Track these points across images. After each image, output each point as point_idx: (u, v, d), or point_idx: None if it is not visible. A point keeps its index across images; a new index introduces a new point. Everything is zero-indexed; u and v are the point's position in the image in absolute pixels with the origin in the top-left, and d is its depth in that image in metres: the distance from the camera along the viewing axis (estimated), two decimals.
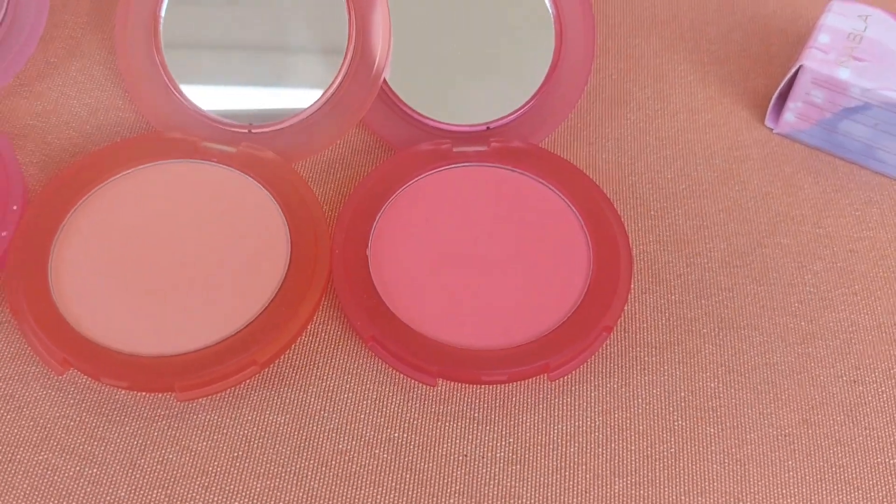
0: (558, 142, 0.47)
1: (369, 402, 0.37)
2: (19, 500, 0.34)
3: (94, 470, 0.35)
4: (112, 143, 0.42)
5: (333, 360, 0.38)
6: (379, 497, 0.35)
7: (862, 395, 0.39)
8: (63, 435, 0.35)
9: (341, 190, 0.44)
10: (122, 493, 0.34)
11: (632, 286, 0.40)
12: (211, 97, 0.43)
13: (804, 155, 0.47)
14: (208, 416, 0.36)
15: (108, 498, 0.34)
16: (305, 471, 0.36)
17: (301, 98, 0.44)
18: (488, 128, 0.45)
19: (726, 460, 0.37)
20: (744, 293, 0.42)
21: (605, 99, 0.49)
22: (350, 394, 0.38)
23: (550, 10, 0.45)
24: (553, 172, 0.43)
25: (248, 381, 0.37)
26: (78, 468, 0.35)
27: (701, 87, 0.50)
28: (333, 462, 0.36)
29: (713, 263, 0.43)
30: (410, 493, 0.35)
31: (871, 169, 0.47)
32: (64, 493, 0.34)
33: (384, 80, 0.44)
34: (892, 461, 0.37)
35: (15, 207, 0.39)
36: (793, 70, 0.45)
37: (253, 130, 0.44)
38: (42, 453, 0.35)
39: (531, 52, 0.45)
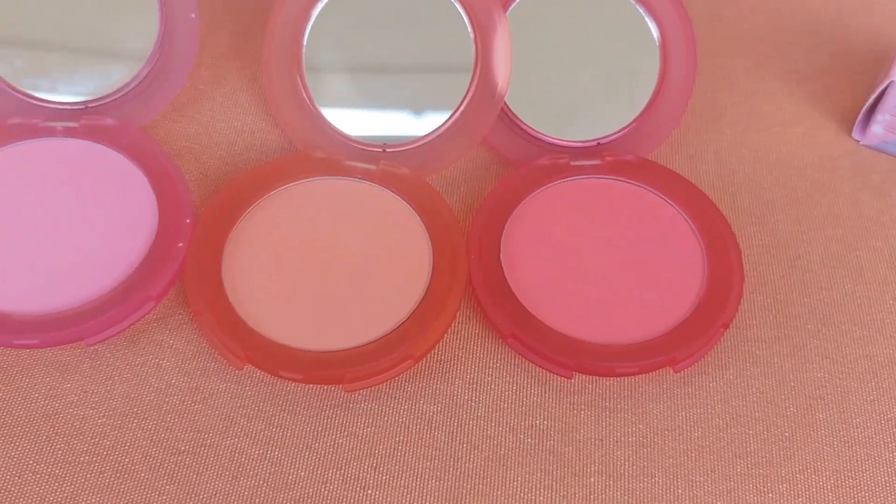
0: (662, 155, 0.51)
1: (510, 392, 0.42)
2: (213, 479, 0.38)
3: (276, 453, 0.39)
4: (267, 162, 0.47)
5: (475, 356, 0.43)
6: (527, 476, 0.39)
7: None
8: (245, 422, 0.40)
9: (466, 201, 0.48)
10: (302, 473, 0.39)
11: (743, 286, 0.44)
12: (349, 119, 0.48)
13: (892, 165, 0.51)
14: (370, 406, 0.41)
15: (290, 478, 0.38)
16: (459, 453, 0.40)
17: (429, 120, 0.48)
18: (599, 143, 0.49)
19: (835, 442, 0.41)
20: (842, 292, 0.46)
21: (702, 115, 0.53)
22: (493, 385, 0.42)
23: (656, 36, 0.49)
24: (664, 183, 0.47)
25: (403, 373, 0.41)
26: (261, 451, 0.39)
27: (790, 103, 0.54)
28: (483, 446, 0.40)
29: (812, 265, 0.47)
30: (555, 472, 0.39)
31: None
32: (251, 472, 0.38)
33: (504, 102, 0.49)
34: None
35: (188, 220, 0.43)
36: (883, 85, 0.48)
37: (387, 150, 0.48)
38: (229, 438, 0.39)
39: (638, 73, 0.49)
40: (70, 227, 0.43)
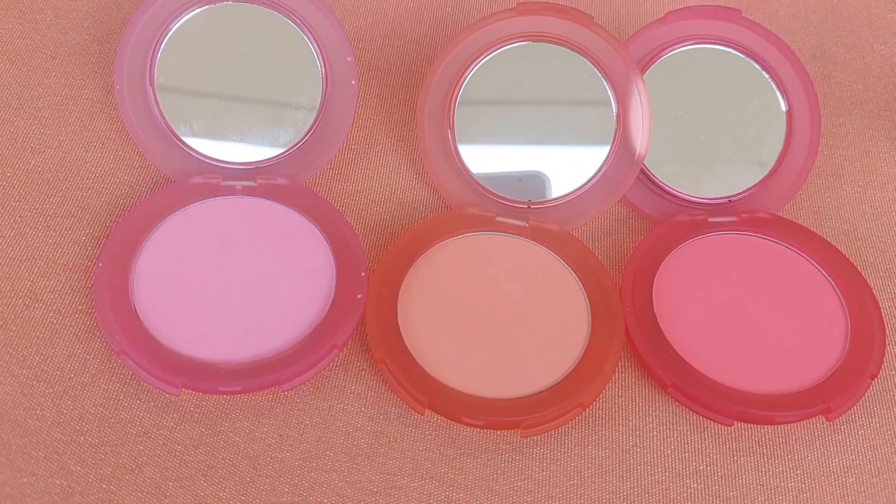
0: (788, 213, 0.53)
1: (672, 439, 0.44)
2: None
3: (460, 494, 0.42)
4: (428, 219, 0.50)
5: (635, 404, 0.45)
6: None
7: None
8: (430, 465, 0.42)
9: (608, 254, 0.51)
10: None
11: (886, 337, 0.47)
12: (497, 177, 0.51)
13: None
14: (541, 451, 0.43)
15: None
16: (631, 497, 0.42)
17: (573, 180, 0.51)
18: (730, 200, 0.52)
19: None
20: None
21: (820, 174, 0.56)
22: (655, 432, 0.44)
23: (783, 104, 0.52)
24: (798, 238, 0.50)
25: (573, 420, 0.44)
26: (447, 493, 0.42)
27: None
28: (653, 490, 0.42)
29: None
30: None
31: None
32: None
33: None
34: None
35: (363, 274, 0.46)
36: None
37: (532, 206, 0.51)
38: (416, 480, 0.42)
39: (766, 136, 0.52)
40: (257, 281, 0.46)
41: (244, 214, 0.48)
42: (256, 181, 0.49)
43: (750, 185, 0.53)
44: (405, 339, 0.45)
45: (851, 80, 0.60)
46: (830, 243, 0.50)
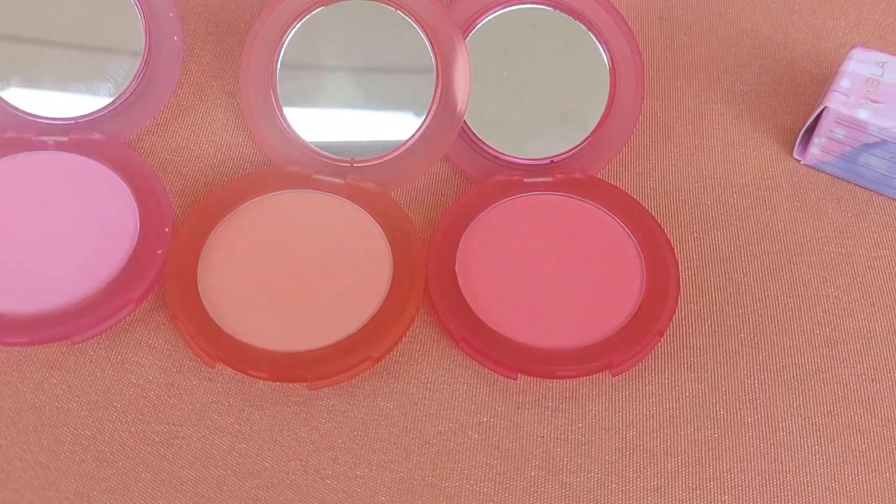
0: (612, 173, 0.54)
1: (460, 392, 0.45)
2: (185, 468, 0.42)
3: (243, 445, 0.43)
4: (242, 177, 0.50)
5: (429, 358, 0.46)
6: (473, 469, 0.43)
7: (879, 391, 0.46)
8: (216, 416, 0.43)
9: (428, 214, 0.52)
10: (267, 464, 0.42)
11: (679, 297, 0.48)
12: (318, 134, 0.51)
13: (828, 184, 0.54)
14: (331, 402, 0.44)
15: (256, 467, 0.42)
16: (412, 447, 0.43)
17: (394, 137, 0.51)
18: (552, 161, 0.53)
19: (762, 444, 0.44)
20: (775, 304, 0.49)
21: (651, 135, 0.56)
22: (444, 385, 0.45)
23: (606, 60, 0.52)
24: (610, 200, 0.51)
25: (363, 373, 0.45)
26: (230, 443, 0.43)
27: (735, 124, 0.57)
28: (434, 440, 0.43)
29: (748, 278, 0.50)
30: (499, 466, 0.43)
31: (887, 196, 0.53)
32: (220, 462, 0.42)
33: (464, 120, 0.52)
34: None
35: (167, 230, 0.47)
36: (818, 110, 0.52)
37: (354, 164, 0.52)
38: (201, 431, 0.43)
39: (590, 95, 0.53)
40: (59, 235, 0.46)
41: (54, 169, 0.48)
42: (70, 136, 0.49)
43: (572, 147, 0.53)
44: (202, 294, 0.45)
45: (694, 42, 0.60)
46: (640, 203, 0.51)
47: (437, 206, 0.52)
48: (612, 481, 0.43)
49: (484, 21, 0.52)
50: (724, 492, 0.43)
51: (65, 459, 0.41)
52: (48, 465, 0.41)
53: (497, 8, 0.52)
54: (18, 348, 0.44)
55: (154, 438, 0.42)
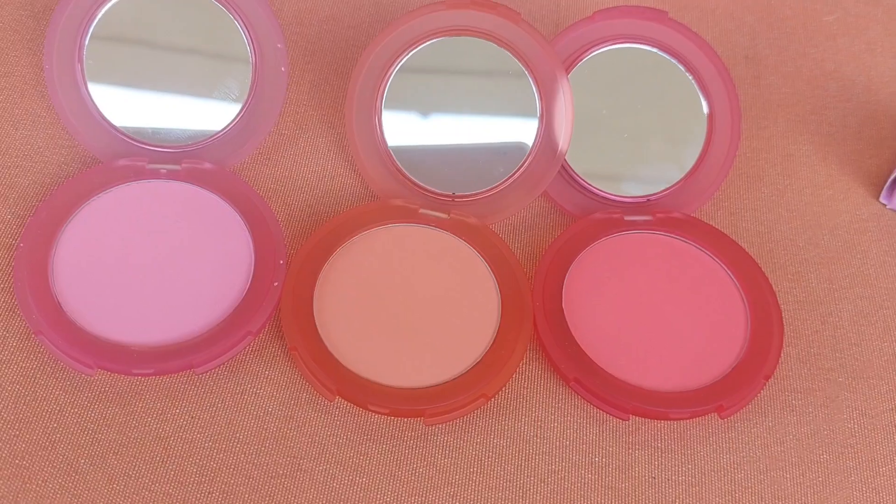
0: (706, 213, 0.55)
1: (572, 431, 0.46)
2: (309, 501, 0.42)
3: (364, 479, 0.43)
4: (350, 209, 0.51)
5: (539, 396, 0.47)
6: None
7: None
8: (335, 450, 0.44)
9: (526, 248, 0.53)
10: (388, 499, 0.43)
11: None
12: (422, 170, 0.52)
13: None
14: (445, 438, 0.45)
15: (378, 502, 0.43)
16: (527, 486, 0.44)
17: (497, 174, 0.52)
18: (648, 200, 0.54)
19: (863, 487, 0.45)
20: (870, 348, 0.50)
21: (741, 175, 0.57)
22: (556, 424, 0.46)
23: (705, 106, 0.53)
24: (710, 240, 0.52)
25: (476, 410, 0.45)
26: (351, 477, 0.43)
27: (822, 166, 0.58)
28: (549, 479, 0.44)
29: (843, 321, 0.51)
30: None
31: None
32: (342, 496, 0.43)
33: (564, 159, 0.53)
34: None
35: (281, 262, 0.47)
36: None
37: (456, 199, 0.52)
38: (321, 464, 0.43)
39: (687, 137, 0.53)
40: (176, 265, 0.47)
41: (167, 198, 0.49)
42: (182, 165, 0.50)
43: (668, 186, 0.54)
44: (318, 328, 0.46)
45: (780, 82, 0.61)
46: (739, 245, 0.52)
47: (534, 241, 0.53)
48: None
49: (586, 59, 0.53)
50: None
51: (192, 491, 0.42)
52: (176, 497, 0.42)
53: (599, 46, 0.53)
54: (142, 379, 0.44)
55: (277, 471, 0.43)
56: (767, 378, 0.47)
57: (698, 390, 0.46)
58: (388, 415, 0.44)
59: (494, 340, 0.47)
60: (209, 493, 0.42)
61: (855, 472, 0.46)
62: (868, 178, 0.58)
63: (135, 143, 0.51)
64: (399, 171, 0.53)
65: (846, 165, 0.58)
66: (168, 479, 0.42)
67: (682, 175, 0.54)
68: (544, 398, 0.47)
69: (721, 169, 0.54)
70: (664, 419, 0.46)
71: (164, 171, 0.50)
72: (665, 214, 0.53)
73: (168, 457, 0.43)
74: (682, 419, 0.46)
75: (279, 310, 0.47)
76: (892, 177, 0.55)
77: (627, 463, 0.45)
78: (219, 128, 0.51)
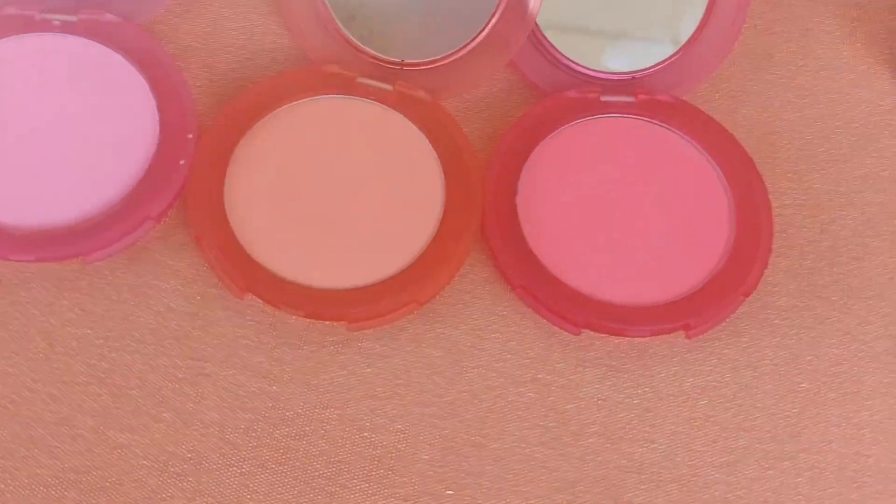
0: (701, 95, 0.47)
1: (515, 343, 0.40)
2: (211, 410, 0.38)
3: (274, 388, 0.38)
4: (275, 76, 0.44)
5: (482, 302, 0.41)
6: (526, 431, 0.39)
7: None
8: (245, 354, 0.39)
9: (486, 130, 0.46)
10: (300, 410, 0.38)
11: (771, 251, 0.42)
12: (365, 31, 0.44)
13: None
14: (371, 346, 0.40)
15: (288, 413, 0.38)
16: (459, 402, 0.39)
17: (454, 36, 0.44)
18: (634, 77, 0.46)
19: (844, 423, 0.40)
20: (874, 264, 0.43)
21: (749, 51, 0.49)
22: (497, 334, 0.41)
23: None
24: (699, 129, 0.44)
25: (407, 315, 0.40)
26: (260, 385, 0.38)
27: (847, 45, 0.49)
28: (484, 395, 0.39)
29: (846, 231, 0.44)
30: (554, 430, 0.39)
31: None
32: (249, 406, 0.38)
33: (535, 22, 0.45)
34: None
35: (190, 136, 0.41)
36: None
37: (405, 67, 0.45)
38: (227, 369, 0.39)
39: (684, 3, 0.45)
40: (67, 136, 0.40)
41: (58, 55, 0.42)
42: (79, 15, 0.42)
43: (659, 61, 0.46)
44: (229, 215, 0.40)
45: None
46: (732, 135, 0.44)
47: (495, 122, 0.46)
48: (676, 454, 0.39)
49: None
50: (799, 473, 0.39)
51: (78, 392, 0.37)
52: (61, 399, 0.37)
53: None
54: (27, 265, 0.39)
55: (176, 375, 0.38)
56: (746, 295, 0.41)
57: (665, 305, 0.40)
58: (305, 317, 0.39)
59: (434, 238, 0.40)
60: (97, 395, 0.37)
61: (837, 405, 0.40)
62: None
63: None
64: (337, 30, 0.45)
65: (873, 46, 0.50)
66: (52, 378, 0.37)
67: (675, 48, 0.45)
68: (487, 306, 0.41)
69: (724, 42, 0.46)
70: (621, 336, 0.40)
71: (58, 22, 0.42)
72: (650, 96, 0.45)
73: (53, 353, 0.38)
74: (641, 336, 0.40)
75: (185, 192, 0.41)
76: None
77: (575, 382, 0.40)
78: None
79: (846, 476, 0.39)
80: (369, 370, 0.39)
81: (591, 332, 0.40)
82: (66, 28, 0.42)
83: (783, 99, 0.48)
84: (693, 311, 0.40)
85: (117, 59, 0.42)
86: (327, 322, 0.40)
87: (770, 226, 0.42)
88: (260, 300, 0.39)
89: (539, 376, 0.40)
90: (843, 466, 0.39)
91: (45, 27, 0.42)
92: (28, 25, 0.42)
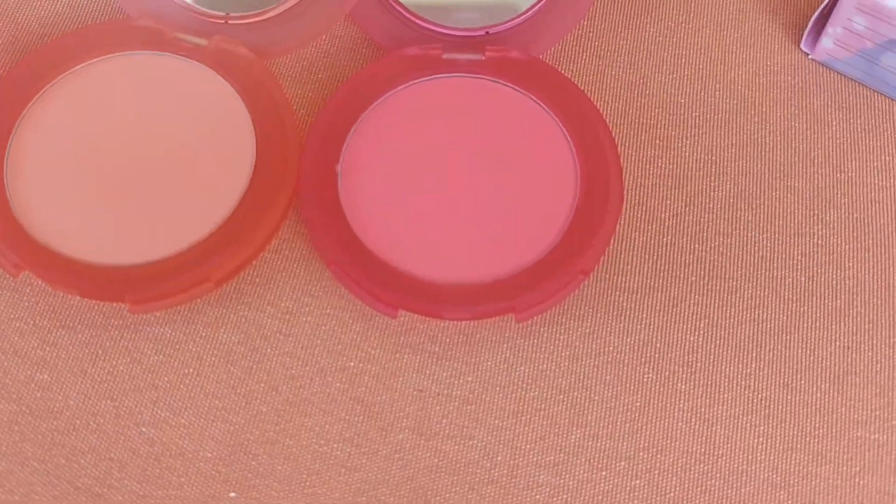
0: (563, 53, 0.42)
1: (328, 327, 0.36)
2: None
3: (45, 375, 0.34)
4: (76, 30, 0.39)
5: (293, 280, 0.37)
6: (327, 426, 0.34)
7: (853, 362, 0.36)
8: (16, 338, 0.35)
9: (322, 91, 0.41)
10: (72, 402, 0.34)
11: (619, 225, 0.37)
12: None
13: (839, 87, 0.42)
14: (161, 330, 0.36)
15: (58, 405, 0.34)
16: (255, 393, 0.35)
17: None
18: (487, 33, 0.41)
19: (693, 419, 0.35)
20: (743, 240, 0.39)
21: (624, 6, 0.44)
22: (308, 317, 0.36)
23: None
24: (550, 91, 0.39)
25: (202, 296, 0.36)
26: (29, 373, 0.34)
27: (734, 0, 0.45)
28: (284, 387, 0.35)
29: (715, 205, 0.39)
30: (360, 424, 0.34)
31: None
32: (14, 396, 0.34)
33: None
34: (871, 436, 0.35)
35: None
36: None
37: (230, 21, 0.40)
38: None
39: None
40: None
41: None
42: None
43: (513, 17, 0.41)
44: (7, 186, 0.36)
45: None
46: (589, 100, 0.39)
47: (332, 81, 0.41)
48: (497, 451, 0.34)
49: None
50: (637, 475, 0.34)
51: None
52: None
53: None
54: None
55: None
56: (586, 274, 0.36)
57: (490, 284, 0.35)
58: (81, 296, 0.35)
59: (236, 208, 0.36)
60: None
61: (687, 398, 0.35)
62: (792, 18, 0.44)
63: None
64: None
65: (765, 1, 0.45)
66: None
67: (533, 0, 0.41)
68: (298, 285, 0.37)
69: None
70: (439, 318, 0.35)
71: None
72: (499, 53, 0.40)
73: None
74: (463, 319, 0.36)
75: None
76: (814, 16, 0.42)
77: (390, 370, 0.36)
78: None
79: (691, 478, 0.34)
80: (156, 357, 0.35)
81: (412, 316, 0.36)
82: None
83: (658, 58, 0.43)
84: (524, 290, 0.35)
85: None
86: (112, 303, 0.36)
87: (620, 195, 0.37)
88: (37, 278, 0.35)
89: (350, 364, 0.36)
90: (688, 467, 0.35)
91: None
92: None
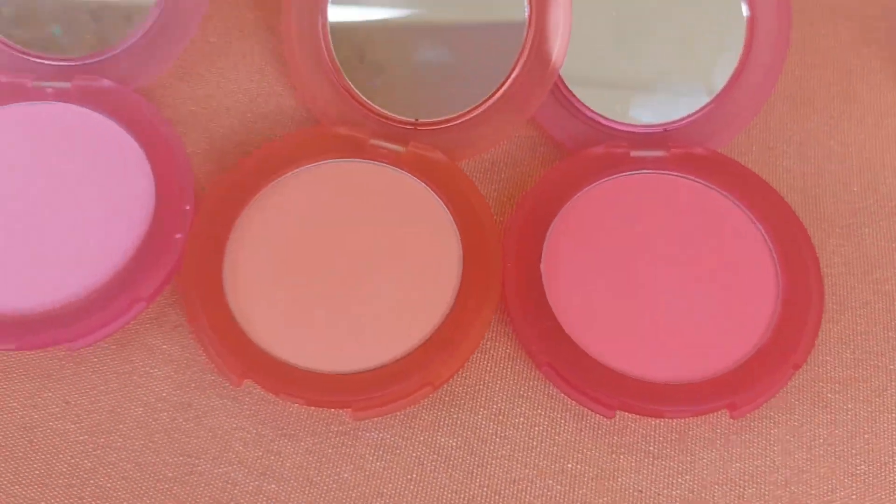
0: (736, 147, 0.44)
1: (541, 428, 0.37)
2: None
3: (272, 486, 0.35)
4: (279, 139, 0.41)
5: (504, 382, 0.37)
6: None
7: None
8: (241, 448, 0.35)
9: (506, 191, 0.42)
10: None
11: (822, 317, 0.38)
12: (376, 89, 0.42)
13: None
14: (381, 436, 0.36)
15: None
16: (478, 498, 0.35)
17: (471, 93, 0.41)
18: (665, 130, 0.42)
19: None
20: None
21: (787, 97, 0.45)
22: (521, 418, 0.37)
23: (745, 9, 0.41)
24: (738, 185, 0.40)
25: (420, 401, 0.36)
26: (256, 484, 0.35)
27: (891, 88, 0.46)
28: (506, 491, 0.35)
29: None
30: None
31: None
32: None
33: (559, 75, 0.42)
34: None
35: (188, 207, 0.38)
36: None
37: (419, 126, 0.42)
38: (221, 466, 0.35)
39: (718, 49, 0.42)
40: (56, 211, 0.37)
41: (51, 124, 0.39)
42: (73, 83, 0.40)
43: (691, 112, 0.42)
44: (228, 294, 0.37)
45: None
46: (774, 190, 0.40)
47: (518, 180, 0.43)
48: None
49: None
50: None
51: (59, 495, 0.34)
52: (39, 502, 0.34)
53: None
54: (7, 353, 0.36)
55: (165, 474, 0.35)
56: (798, 367, 0.36)
57: (706, 382, 0.36)
58: (306, 404, 0.36)
59: (450, 313, 0.37)
60: (80, 497, 0.34)
61: None
62: None
63: (19, 55, 0.41)
64: (347, 89, 0.42)
65: None
66: (31, 480, 0.34)
67: (709, 98, 0.42)
68: (510, 387, 0.37)
69: (760, 90, 0.42)
70: (659, 417, 0.36)
71: (51, 89, 0.40)
72: (683, 149, 0.41)
73: (33, 451, 0.35)
74: (682, 418, 0.36)
75: (180, 270, 0.38)
76: None
77: (609, 471, 0.36)
78: (123, 35, 0.41)
79: None
80: (378, 464, 0.36)
81: (626, 414, 0.37)
82: (60, 95, 0.40)
83: (826, 148, 0.44)
84: (738, 388, 0.36)
85: (111, 126, 0.39)
86: (332, 410, 0.36)
87: (820, 288, 0.38)
88: (258, 387, 0.36)
89: (569, 466, 0.36)
90: None
91: (38, 96, 0.40)
92: (20, 94, 0.40)
